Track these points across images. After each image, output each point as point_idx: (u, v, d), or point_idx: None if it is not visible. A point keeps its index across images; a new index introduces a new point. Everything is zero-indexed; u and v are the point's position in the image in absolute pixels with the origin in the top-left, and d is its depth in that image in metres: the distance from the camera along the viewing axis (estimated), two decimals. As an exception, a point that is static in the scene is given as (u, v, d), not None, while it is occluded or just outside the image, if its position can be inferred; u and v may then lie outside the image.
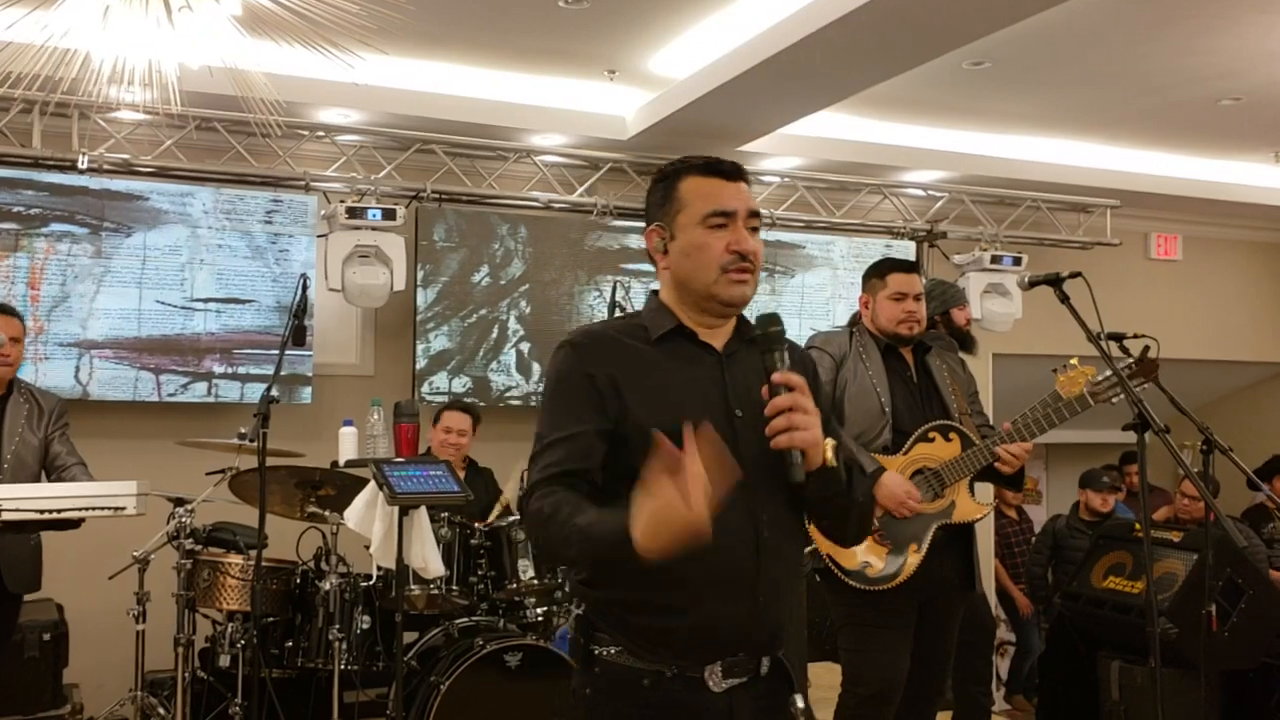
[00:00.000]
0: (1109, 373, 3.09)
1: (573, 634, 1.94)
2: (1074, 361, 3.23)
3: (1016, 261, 6.63)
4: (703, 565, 1.79)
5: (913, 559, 3.31)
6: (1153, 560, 4.42)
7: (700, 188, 1.93)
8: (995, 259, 6.59)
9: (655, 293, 2.02)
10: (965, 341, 4.46)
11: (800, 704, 1.94)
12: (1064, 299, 2.81)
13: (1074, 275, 2.86)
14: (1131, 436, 2.86)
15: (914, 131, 6.37)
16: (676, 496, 1.59)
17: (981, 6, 4.20)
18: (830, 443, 1.87)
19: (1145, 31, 4.98)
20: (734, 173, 1.95)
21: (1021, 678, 6.77)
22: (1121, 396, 3.06)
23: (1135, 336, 3.15)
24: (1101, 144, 6.76)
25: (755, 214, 1.94)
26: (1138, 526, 4.91)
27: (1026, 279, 3.01)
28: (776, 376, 1.83)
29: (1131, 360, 3.16)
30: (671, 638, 1.82)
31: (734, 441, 1.84)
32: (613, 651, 1.86)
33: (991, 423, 3.71)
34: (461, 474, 4.44)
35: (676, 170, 1.98)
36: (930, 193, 6.83)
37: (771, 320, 1.89)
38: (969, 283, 6.53)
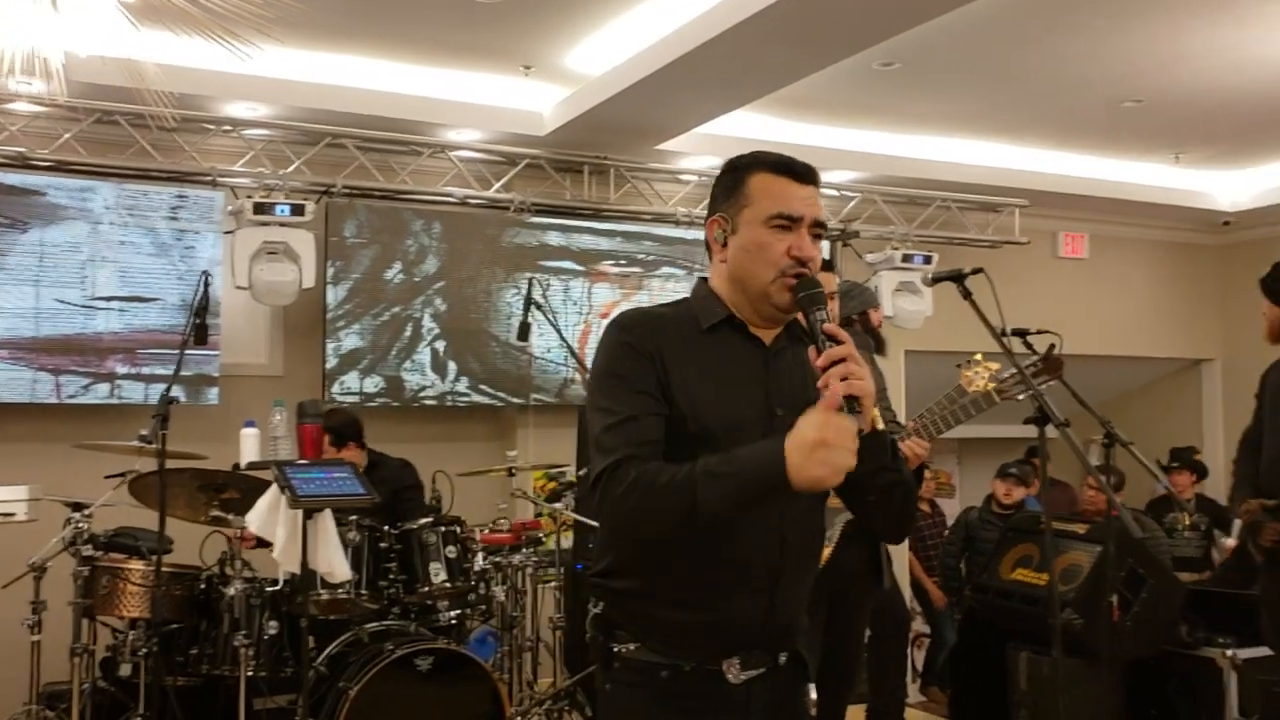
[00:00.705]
0: (1014, 369, 3.14)
1: (591, 632, 1.94)
2: (978, 356, 3.28)
3: (927, 260, 6.73)
4: (725, 564, 1.83)
5: (824, 551, 3.33)
6: (1057, 552, 4.52)
7: (770, 186, 1.90)
8: (906, 258, 6.69)
9: (704, 280, 1.99)
10: (879, 342, 4.51)
11: (813, 694, 1.96)
12: (966, 295, 2.84)
13: (976, 271, 2.88)
14: (1039, 431, 2.90)
15: (826, 132, 6.42)
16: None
17: (890, 6, 4.25)
18: (876, 411, 1.85)
19: (1050, 34, 5.09)
20: (806, 175, 1.92)
21: (936, 669, 6.86)
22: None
23: (1039, 332, 3.20)
24: (1010, 144, 6.89)
25: (820, 223, 1.91)
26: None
27: (930, 275, 3.04)
28: (828, 327, 1.80)
29: (1037, 357, 3.21)
30: (689, 632, 1.84)
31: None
32: (632, 648, 1.87)
33: (900, 420, 3.75)
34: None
35: (748, 164, 1.93)
36: (843, 193, 6.89)
37: (812, 282, 1.87)
38: (881, 281, 6.62)
